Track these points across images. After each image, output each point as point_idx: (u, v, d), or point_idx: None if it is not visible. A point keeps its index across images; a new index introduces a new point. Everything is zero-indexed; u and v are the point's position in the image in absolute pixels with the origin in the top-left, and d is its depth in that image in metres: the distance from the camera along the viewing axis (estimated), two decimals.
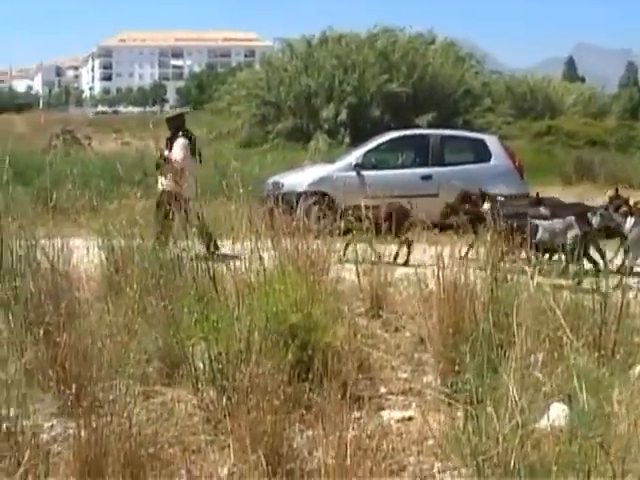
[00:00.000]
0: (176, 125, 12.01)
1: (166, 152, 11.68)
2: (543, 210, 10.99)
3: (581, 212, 10.58)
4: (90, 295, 7.56)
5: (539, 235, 9.75)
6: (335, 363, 5.52)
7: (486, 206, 10.83)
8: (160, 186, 11.53)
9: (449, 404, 4.96)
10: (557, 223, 10.04)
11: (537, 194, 12.20)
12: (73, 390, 4.79)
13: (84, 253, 9.04)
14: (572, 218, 9.98)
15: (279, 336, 5.52)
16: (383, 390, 5.98)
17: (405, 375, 6.28)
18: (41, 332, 5.51)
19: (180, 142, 11.61)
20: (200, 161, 11.99)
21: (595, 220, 10.16)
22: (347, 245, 9.95)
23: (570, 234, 9.70)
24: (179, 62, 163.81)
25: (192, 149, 11.70)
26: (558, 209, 11.14)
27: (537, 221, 10.10)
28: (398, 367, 6.44)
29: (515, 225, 9.01)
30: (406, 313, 7.69)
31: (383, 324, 7.58)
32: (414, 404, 5.71)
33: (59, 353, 5.39)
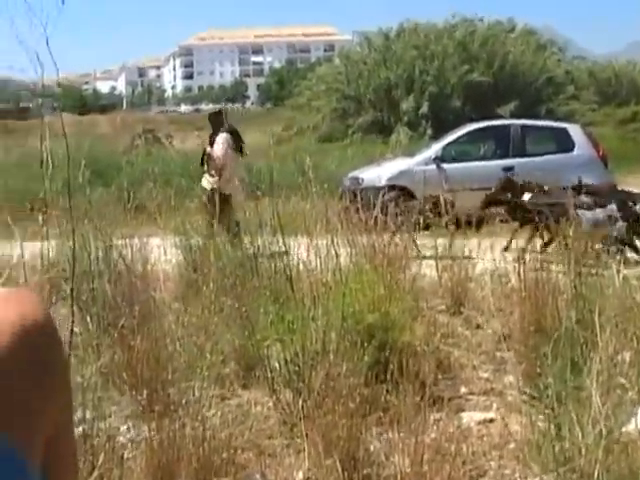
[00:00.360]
0: (218, 121, 12.04)
1: (208, 148, 11.73)
2: (585, 198, 10.60)
3: (623, 200, 10.23)
4: (168, 295, 7.59)
5: (583, 225, 9.47)
6: (413, 363, 5.40)
7: (526, 196, 10.52)
8: (204, 183, 11.61)
9: (532, 406, 4.81)
10: (600, 212, 9.71)
11: (579, 181, 11.70)
12: (146, 393, 4.78)
13: (162, 252, 9.12)
14: (614, 207, 9.66)
15: (356, 336, 5.41)
16: (463, 390, 5.82)
17: (486, 375, 6.11)
18: (116, 334, 5.52)
19: (221, 137, 11.64)
20: (242, 155, 12.03)
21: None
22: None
23: (616, 224, 9.40)
24: (259, 59, 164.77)
25: (235, 144, 11.73)
26: (601, 197, 10.72)
27: (580, 211, 9.77)
28: (479, 366, 6.26)
29: (555, 215, 8.79)
30: (488, 310, 7.51)
31: (464, 321, 7.41)
32: (495, 405, 5.55)
33: (134, 355, 5.39)
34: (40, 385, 0.91)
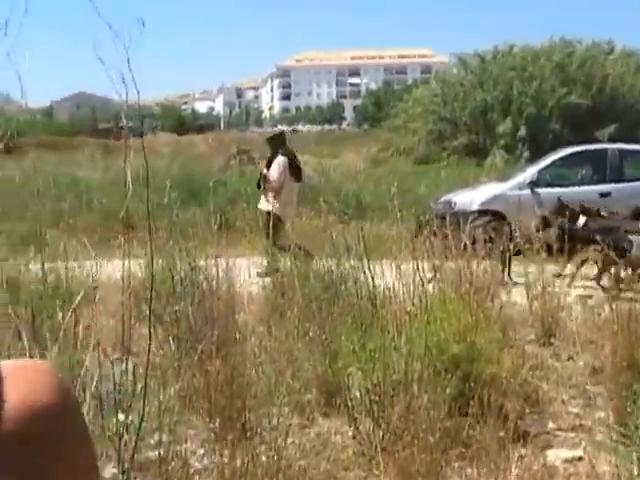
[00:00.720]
0: (276, 144, 12.05)
1: (264, 171, 11.76)
2: None
3: None
4: (252, 318, 7.56)
5: (633, 251, 9.15)
6: (499, 396, 5.24)
7: (581, 220, 10.20)
8: (261, 205, 11.63)
9: (624, 444, 4.58)
10: None
11: (637, 207, 11.34)
12: (224, 417, 4.74)
13: (249, 274, 9.13)
14: None
15: (439, 367, 5.27)
16: (551, 426, 5.58)
17: (575, 410, 5.85)
18: (196, 357, 5.49)
19: (278, 161, 11.64)
20: (300, 179, 12.02)
21: None
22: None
23: None
24: (356, 80, 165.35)
25: (292, 168, 11.72)
26: None
27: (632, 236, 9.45)
28: (568, 401, 6.02)
29: (608, 241, 8.53)
30: (580, 341, 7.26)
31: (554, 352, 7.17)
32: (584, 443, 5.31)
33: (212, 379, 5.34)
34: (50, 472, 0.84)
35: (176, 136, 66.07)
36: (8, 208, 14.54)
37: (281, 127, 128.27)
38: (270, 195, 11.47)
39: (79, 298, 4.27)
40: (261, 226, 11.01)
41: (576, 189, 14.49)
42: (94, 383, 4.24)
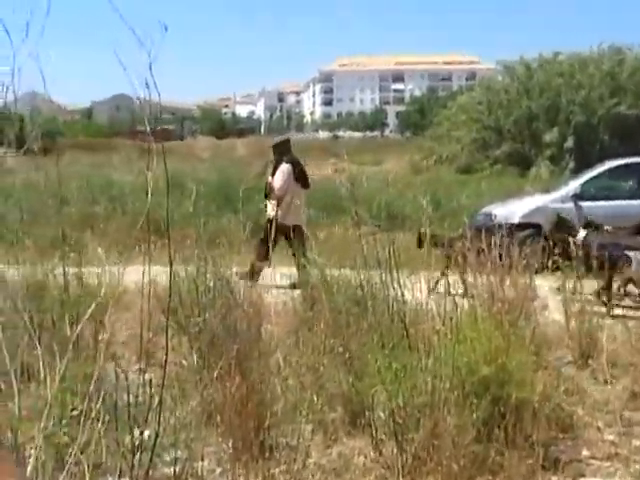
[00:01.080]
0: (281, 151, 12.00)
1: (269, 178, 11.73)
2: None
3: None
4: (280, 330, 7.46)
5: (633, 267, 8.99)
6: (531, 421, 5.10)
7: (580, 235, 10.02)
8: (268, 212, 11.56)
9: None
10: None
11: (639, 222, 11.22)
12: (242, 435, 4.65)
13: (286, 283, 9.10)
14: None
15: (468, 389, 5.13)
16: (585, 453, 5.40)
17: (612, 437, 5.68)
18: (215, 372, 5.42)
19: (282, 169, 11.60)
20: (307, 186, 11.96)
21: None
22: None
23: None
24: (400, 86, 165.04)
25: (297, 175, 11.67)
26: None
27: (632, 252, 9.26)
28: (604, 427, 5.84)
29: (608, 257, 8.41)
30: (619, 363, 7.08)
31: (591, 375, 6.99)
32: (620, 473, 5.15)
33: (233, 394, 5.26)
34: None
35: (216, 140, 66.45)
36: (40, 211, 14.62)
37: (322, 133, 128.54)
38: (274, 203, 11.47)
39: (93, 307, 4.18)
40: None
41: (621, 203, 14.24)
42: (103, 395, 4.16)
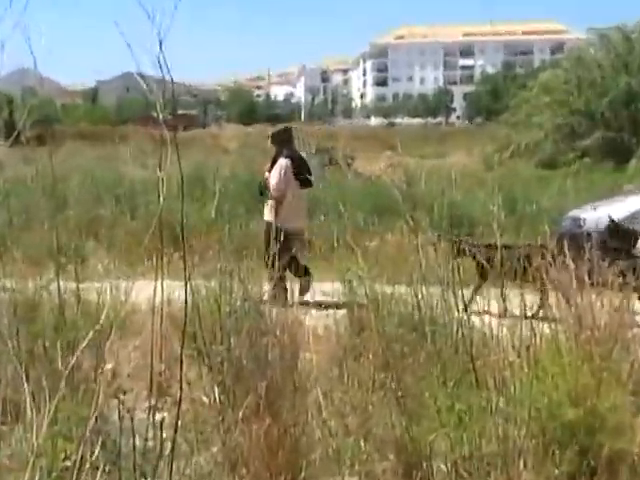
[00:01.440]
0: (280, 142, 11.88)
1: (266, 174, 11.66)
2: None
3: None
4: (321, 361, 7.45)
5: None
6: (629, 477, 5.04)
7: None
8: (265, 217, 11.61)
9: None
10: None
11: None
12: None
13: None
14: None
15: (549, 437, 5.09)
16: None
17: None
18: (240, 413, 5.42)
19: (280, 163, 11.51)
20: (308, 185, 11.89)
21: None
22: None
23: None
24: (469, 62, 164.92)
25: (297, 172, 11.58)
26: None
27: None
28: None
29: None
30: None
31: None
32: None
33: (262, 439, 5.25)
34: None
35: (245, 128, 66.88)
36: (33, 214, 14.72)
37: (375, 119, 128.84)
38: (271, 204, 11.45)
39: (93, 331, 4.19)
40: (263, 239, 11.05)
41: None
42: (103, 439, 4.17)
